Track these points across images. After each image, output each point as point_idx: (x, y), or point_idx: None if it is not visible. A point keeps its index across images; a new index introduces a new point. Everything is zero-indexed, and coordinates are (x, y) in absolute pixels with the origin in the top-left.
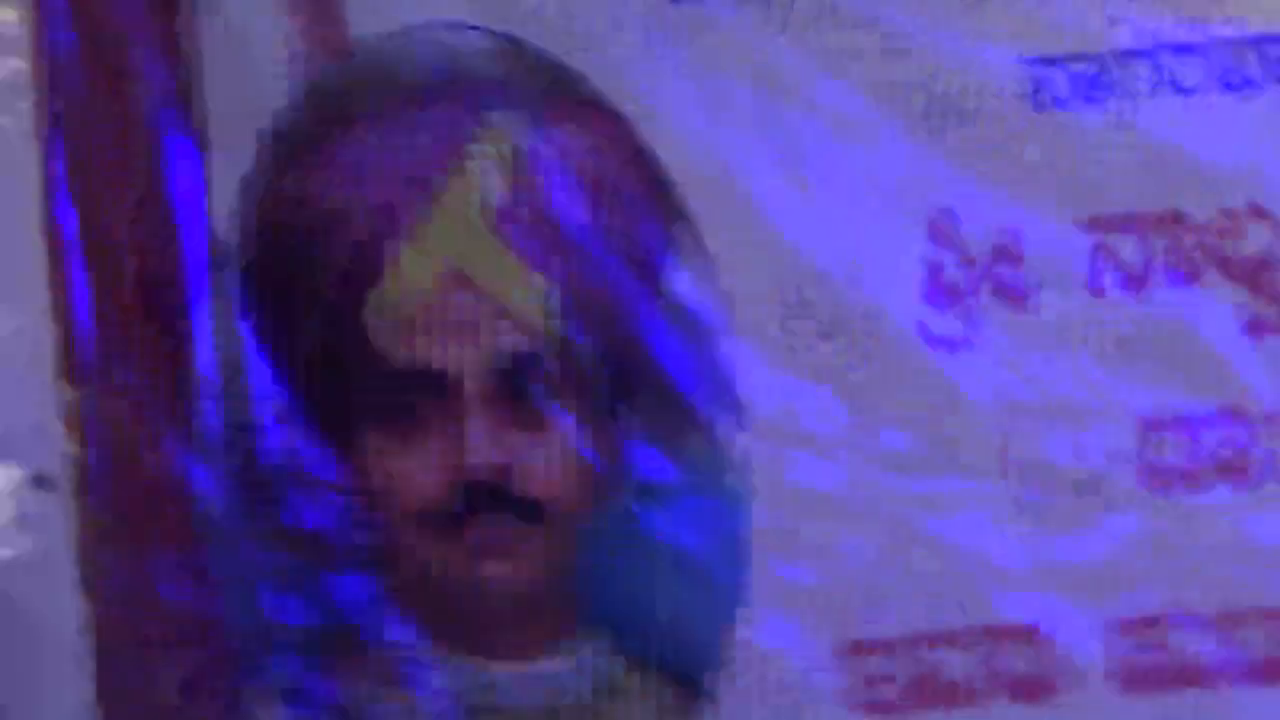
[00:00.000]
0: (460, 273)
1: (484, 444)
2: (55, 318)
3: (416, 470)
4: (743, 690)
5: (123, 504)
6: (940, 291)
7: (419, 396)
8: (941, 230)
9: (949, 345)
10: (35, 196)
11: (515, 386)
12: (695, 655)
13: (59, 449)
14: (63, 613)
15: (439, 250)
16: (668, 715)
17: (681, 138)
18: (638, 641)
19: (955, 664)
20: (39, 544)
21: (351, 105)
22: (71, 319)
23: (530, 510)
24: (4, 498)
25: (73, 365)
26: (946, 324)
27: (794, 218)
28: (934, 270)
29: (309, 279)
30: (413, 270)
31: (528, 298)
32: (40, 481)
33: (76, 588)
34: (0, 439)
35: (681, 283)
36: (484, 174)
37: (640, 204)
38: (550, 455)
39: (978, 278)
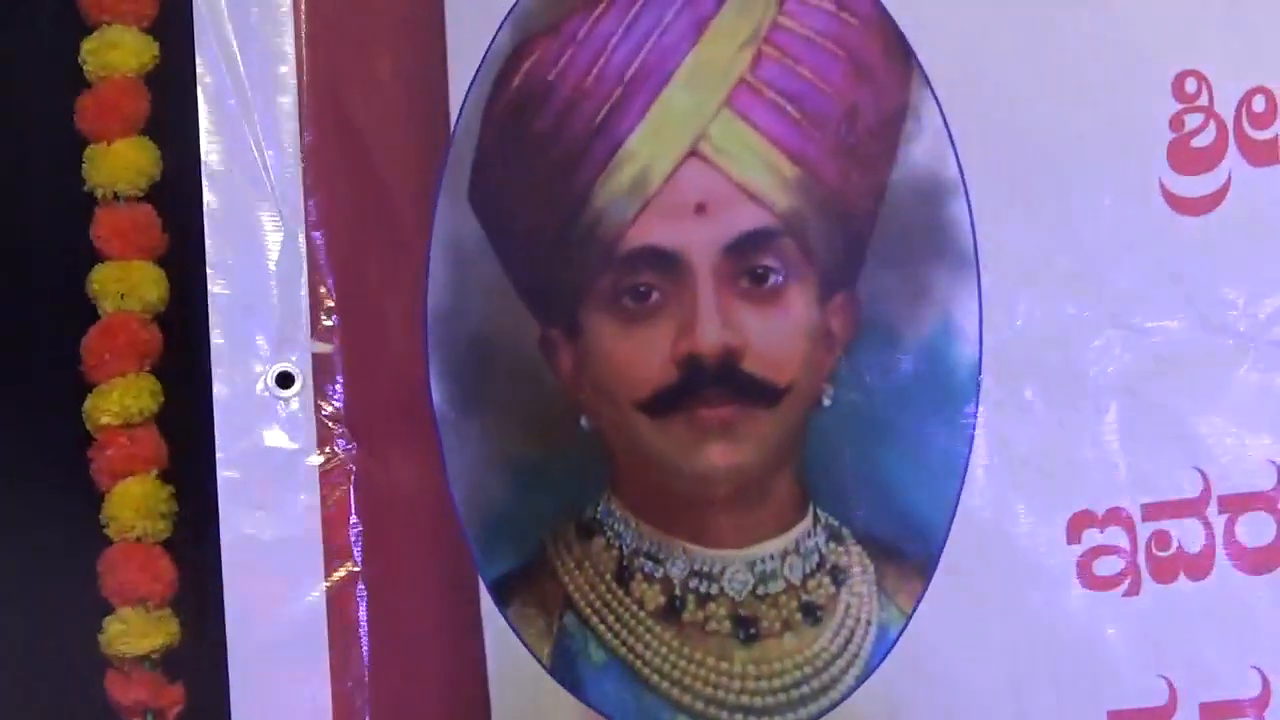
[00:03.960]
0: (697, 151)
1: (715, 323)
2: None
3: (644, 354)
4: (967, 565)
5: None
6: None
7: (649, 277)
8: None
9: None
10: None
11: (748, 266)
12: (921, 533)
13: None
14: None
15: (676, 128)
16: (887, 593)
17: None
18: (861, 522)
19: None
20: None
21: None
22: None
23: (760, 391)
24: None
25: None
26: None
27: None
28: None
29: (542, 162)
30: (648, 150)
31: (765, 175)
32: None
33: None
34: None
35: (919, 151)
36: (726, 49)
37: (881, 74)
38: (782, 336)
39: None
